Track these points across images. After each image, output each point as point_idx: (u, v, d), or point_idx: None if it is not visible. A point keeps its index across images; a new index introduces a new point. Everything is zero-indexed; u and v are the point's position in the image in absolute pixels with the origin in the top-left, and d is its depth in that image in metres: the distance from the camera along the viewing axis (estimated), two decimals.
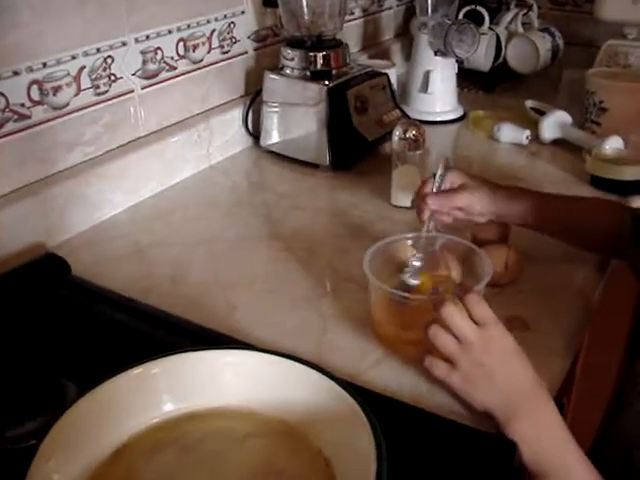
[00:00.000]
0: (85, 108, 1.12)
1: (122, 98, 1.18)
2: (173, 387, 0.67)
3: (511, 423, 0.71)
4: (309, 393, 0.66)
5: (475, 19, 1.66)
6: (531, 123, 1.50)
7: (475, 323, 0.74)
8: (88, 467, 0.62)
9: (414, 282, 0.88)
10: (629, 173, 1.22)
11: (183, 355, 0.68)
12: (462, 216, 1.01)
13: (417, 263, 0.90)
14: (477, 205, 0.99)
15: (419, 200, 1.00)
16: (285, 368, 0.67)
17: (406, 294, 0.83)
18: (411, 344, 0.80)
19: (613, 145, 1.30)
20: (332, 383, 0.65)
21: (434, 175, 1.00)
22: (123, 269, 1.03)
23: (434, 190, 0.99)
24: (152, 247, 1.09)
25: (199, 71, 1.32)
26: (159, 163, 1.24)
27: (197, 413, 0.67)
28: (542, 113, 1.50)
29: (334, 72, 1.36)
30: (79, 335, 0.86)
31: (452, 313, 0.73)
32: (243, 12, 1.39)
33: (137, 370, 0.65)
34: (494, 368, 0.73)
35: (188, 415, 0.67)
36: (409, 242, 0.92)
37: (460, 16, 1.67)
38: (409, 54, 1.79)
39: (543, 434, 0.71)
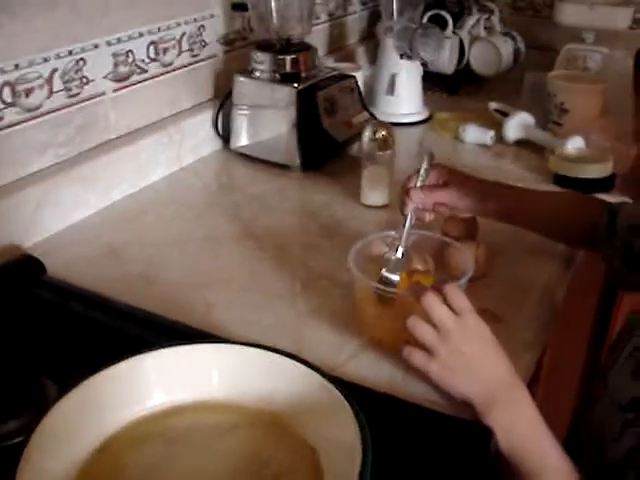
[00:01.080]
0: (57, 110, 1.12)
1: (94, 100, 1.19)
2: (160, 381, 0.68)
3: (489, 410, 0.73)
4: (293, 384, 0.67)
5: (439, 23, 1.69)
6: (495, 124, 1.53)
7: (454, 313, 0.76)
8: (76, 461, 0.63)
9: (395, 277, 0.89)
10: (591, 171, 1.27)
11: (170, 349, 0.69)
12: (445, 211, 1.02)
13: (395, 257, 0.91)
14: (461, 201, 1.01)
15: (403, 194, 1.01)
16: (268, 361, 0.69)
17: (390, 289, 0.86)
18: (396, 337, 0.81)
19: (575, 144, 1.34)
20: (315, 374, 0.67)
21: (418, 170, 1.00)
22: (98, 269, 1.04)
23: (418, 185, 1.00)
24: (126, 247, 1.10)
25: (169, 74, 1.33)
26: (131, 165, 1.25)
27: (183, 406, 0.68)
28: (505, 115, 1.53)
29: (303, 75, 1.38)
30: (56, 334, 0.87)
31: (431, 302, 0.75)
32: (212, 15, 1.40)
33: (124, 364, 0.67)
34: (472, 356, 0.75)
35: (174, 409, 0.68)
36: (388, 240, 0.94)
37: (424, 20, 1.70)
38: (374, 57, 1.83)
39: (518, 422, 0.73)
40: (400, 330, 0.78)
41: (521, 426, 0.73)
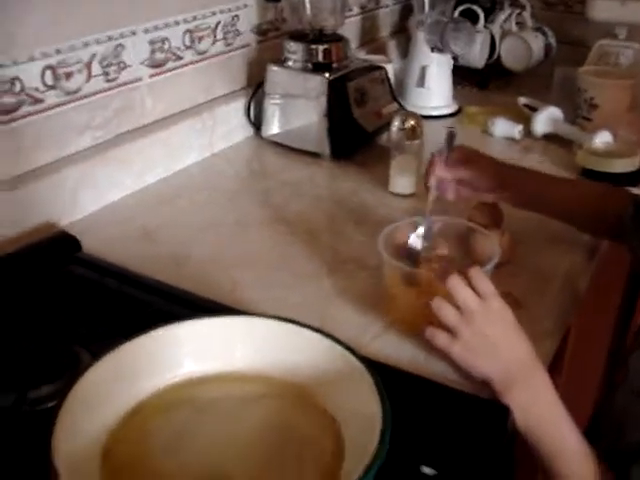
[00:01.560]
0: (95, 94, 1.16)
1: (130, 86, 1.22)
2: (190, 351, 0.71)
3: (508, 390, 0.75)
4: (317, 357, 0.70)
5: (470, 18, 1.70)
6: (524, 119, 1.54)
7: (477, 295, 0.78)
8: (107, 424, 0.65)
9: (418, 245, 0.93)
10: (618, 165, 1.28)
11: (201, 320, 0.72)
12: (467, 193, 1.04)
13: (422, 228, 0.94)
14: (483, 180, 1.02)
15: (428, 168, 1.03)
16: (294, 334, 0.71)
17: (417, 270, 0.89)
18: (420, 319, 0.83)
19: (603, 139, 1.35)
20: (338, 347, 0.69)
21: (440, 148, 1.02)
22: (131, 249, 1.07)
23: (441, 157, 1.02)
24: (159, 230, 1.13)
25: (204, 62, 1.37)
26: (164, 149, 1.28)
27: (211, 376, 0.71)
28: (534, 110, 1.55)
29: (335, 65, 1.40)
30: (91, 307, 0.90)
31: (456, 284, 0.77)
32: (246, 6, 1.43)
33: (155, 332, 0.69)
34: (495, 338, 0.77)
35: (203, 378, 0.71)
36: (417, 225, 0.96)
37: (455, 14, 1.71)
38: (405, 51, 1.85)
39: (536, 402, 0.75)
40: (425, 311, 0.80)
41: (539, 407, 0.75)
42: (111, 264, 1.00)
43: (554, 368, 0.91)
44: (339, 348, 0.69)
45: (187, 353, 0.71)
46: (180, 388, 0.70)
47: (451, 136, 1.01)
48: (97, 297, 0.93)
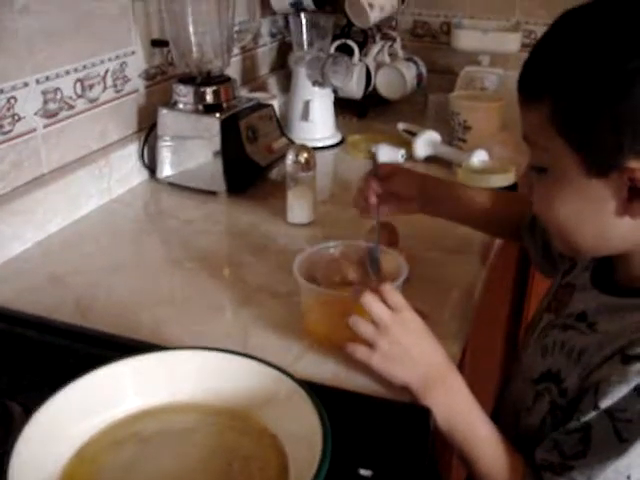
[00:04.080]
0: None
1: (26, 137, 1.23)
2: (132, 387, 0.74)
3: (427, 393, 0.82)
4: (253, 381, 0.75)
5: (346, 52, 1.80)
6: (404, 143, 1.64)
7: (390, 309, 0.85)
8: (59, 466, 0.68)
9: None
10: (495, 181, 1.39)
11: (138, 358, 0.75)
12: (395, 207, 1.11)
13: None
14: (410, 189, 1.10)
15: (360, 191, 1.10)
16: (228, 362, 0.76)
17: (332, 291, 0.95)
18: (340, 336, 0.89)
19: (479, 158, 1.46)
20: (273, 370, 0.74)
21: (370, 171, 1.10)
22: (44, 297, 1.07)
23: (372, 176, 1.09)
24: (68, 276, 1.14)
25: (96, 109, 1.39)
26: (64, 198, 1.29)
27: (153, 410, 0.75)
28: (413, 134, 1.64)
29: (224, 105, 1.45)
30: (14, 360, 0.90)
31: (370, 300, 0.84)
32: (133, 52, 1.47)
33: (99, 372, 0.72)
34: (410, 346, 0.84)
35: (145, 412, 0.74)
36: (324, 250, 1.02)
37: (332, 50, 1.81)
38: (285, 86, 1.93)
39: (454, 401, 0.83)
40: (343, 329, 0.86)
41: (456, 405, 0.83)
42: (27, 314, 1.00)
43: (458, 367, 0.99)
44: (273, 371, 0.74)
45: (129, 389, 0.74)
46: (125, 423, 0.73)
47: (374, 157, 1.11)
48: (17, 349, 0.93)
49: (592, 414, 0.72)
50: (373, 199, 1.08)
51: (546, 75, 0.73)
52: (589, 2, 0.72)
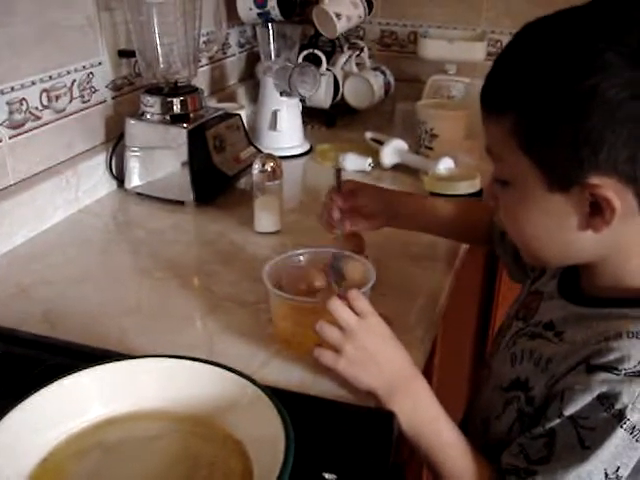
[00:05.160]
0: None
1: None
2: (96, 396, 0.74)
3: (392, 398, 0.82)
4: (216, 388, 0.75)
5: (313, 62, 1.82)
6: (372, 152, 1.65)
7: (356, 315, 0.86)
8: (24, 476, 0.68)
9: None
10: (462, 188, 1.41)
11: (102, 367, 0.75)
12: (359, 222, 1.13)
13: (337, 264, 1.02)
14: (373, 205, 1.12)
15: (327, 205, 1.11)
16: (192, 369, 0.76)
17: (300, 297, 0.95)
18: (308, 341, 0.90)
19: (446, 165, 1.48)
20: (236, 376, 0.75)
21: (334, 186, 1.12)
22: (11, 309, 1.07)
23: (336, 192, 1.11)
24: (35, 287, 1.14)
25: (62, 120, 1.38)
26: (30, 209, 1.29)
27: (117, 418, 0.75)
28: (381, 143, 1.66)
29: (192, 115, 1.46)
30: None
31: (337, 306, 0.85)
32: (100, 63, 1.47)
33: (64, 381, 0.73)
34: (375, 351, 0.85)
35: (109, 420, 0.74)
36: (292, 259, 1.03)
37: (300, 60, 1.82)
38: (253, 96, 1.94)
39: (418, 406, 0.83)
40: (312, 335, 0.87)
41: (421, 410, 0.83)
42: None
43: (425, 375, 1.00)
44: (236, 377, 0.75)
45: (93, 398, 0.74)
46: (89, 432, 0.73)
47: (339, 173, 1.12)
48: None
49: (557, 421, 0.73)
50: (337, 214, 1.09)
51: (508, 90, 0.73)
52: (550, 14, 0.72)
